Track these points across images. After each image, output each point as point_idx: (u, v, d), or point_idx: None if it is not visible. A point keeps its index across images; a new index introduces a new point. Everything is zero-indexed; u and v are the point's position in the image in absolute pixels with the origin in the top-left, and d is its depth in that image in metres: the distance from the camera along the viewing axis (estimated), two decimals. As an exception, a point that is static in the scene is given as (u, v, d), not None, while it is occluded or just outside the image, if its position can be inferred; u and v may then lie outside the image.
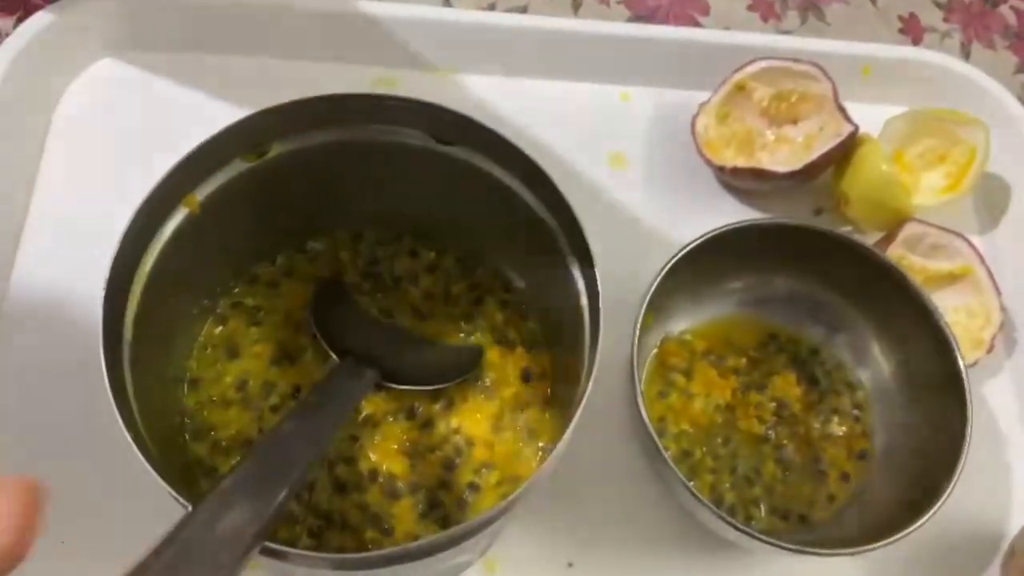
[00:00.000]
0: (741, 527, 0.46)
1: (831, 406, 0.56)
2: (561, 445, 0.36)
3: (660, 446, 0.47)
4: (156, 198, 0.38)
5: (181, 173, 0.38)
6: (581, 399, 0.37)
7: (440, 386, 0.47)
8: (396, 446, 0.46)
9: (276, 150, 0.42)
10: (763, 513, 0.53)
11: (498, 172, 0.43)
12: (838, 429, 0.56)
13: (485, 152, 0.43)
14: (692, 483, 0.47)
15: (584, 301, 0.41)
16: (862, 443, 0.56)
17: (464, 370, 0.48)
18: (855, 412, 0.56)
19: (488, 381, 0.48)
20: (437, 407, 0.47)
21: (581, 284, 0.41)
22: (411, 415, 0.47)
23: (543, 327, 0.49)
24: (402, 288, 0.50)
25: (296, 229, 0.49)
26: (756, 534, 0.46)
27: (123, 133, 0.61)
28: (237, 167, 0.41)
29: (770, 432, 0.55)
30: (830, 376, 0.57)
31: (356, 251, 0.51)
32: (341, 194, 0.47)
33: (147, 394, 0.38)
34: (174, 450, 0.43)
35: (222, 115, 0.40)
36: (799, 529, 0.53)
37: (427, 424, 0.47)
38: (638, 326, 0.50)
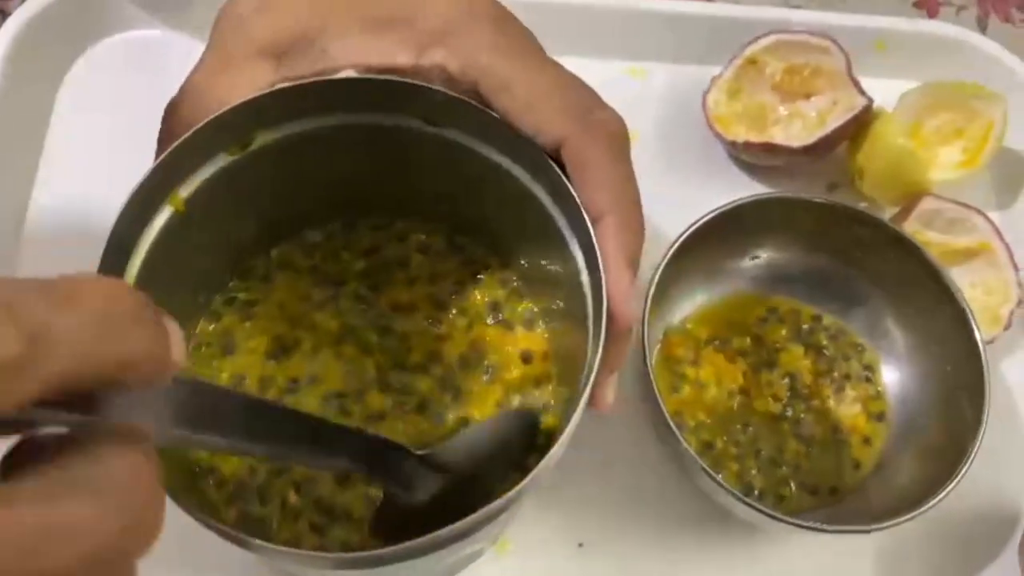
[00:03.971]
0: (778, 516, 0.46)
1: (842, 372, 0.56)
2: (565, 435, 0.35)
3: (687, 446, 0.47)
4: (138, 200, 0.36)
5: (163, 172, 0.37)
6: (582, 394, 0.35)
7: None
8: (404, 439, 0.45)
9: (259, 142, 0.40)
10: (793, 492, 0.53)
11: (489, 152, 0.41)
12: (852, 393, 0.55)
13: (475, 133, 0.41)
14: (720, 475, 0.47)
15: (584, 278, 0.39)
16: (878, 404, 0.55)
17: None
18: (866, 374, 0.56)
19: (487, 364, 0.47)
20: (447, 399, 0.46)
21: (580, 261, 0.40)
22: (422, 409, 0.46)
23: (541, 306, 0.48)
24: (394, 275, 0.49)
25: (286, 220, 0.48)
26: (789, 519, 0.46)
27: (128, 112, 0.60)
28: (221, 161, 0.40)
29: (787, 409, 0.54)
30: (835, 341, 0.57)
31: (350, 245, 0.49)
32: (330, 182, 0.45)
33: None
34: (174, 450, 0.42)
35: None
36: (830, 502, 0.53)
37: (437, 417, 0.46)
38: (645, 321, 0.49)
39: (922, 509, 0.46)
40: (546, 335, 0.48)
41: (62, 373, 0.19)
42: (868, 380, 0.56)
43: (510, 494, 0.34)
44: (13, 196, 0.57)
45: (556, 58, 0.65)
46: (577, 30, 0.65)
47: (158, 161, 0.36)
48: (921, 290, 0.53)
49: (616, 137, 0.37)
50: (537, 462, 0.35)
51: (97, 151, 0.59)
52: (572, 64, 0.65)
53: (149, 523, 0.21)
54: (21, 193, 0.57)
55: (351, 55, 0.37)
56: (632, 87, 0.66)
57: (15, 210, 0.57)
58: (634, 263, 0.36)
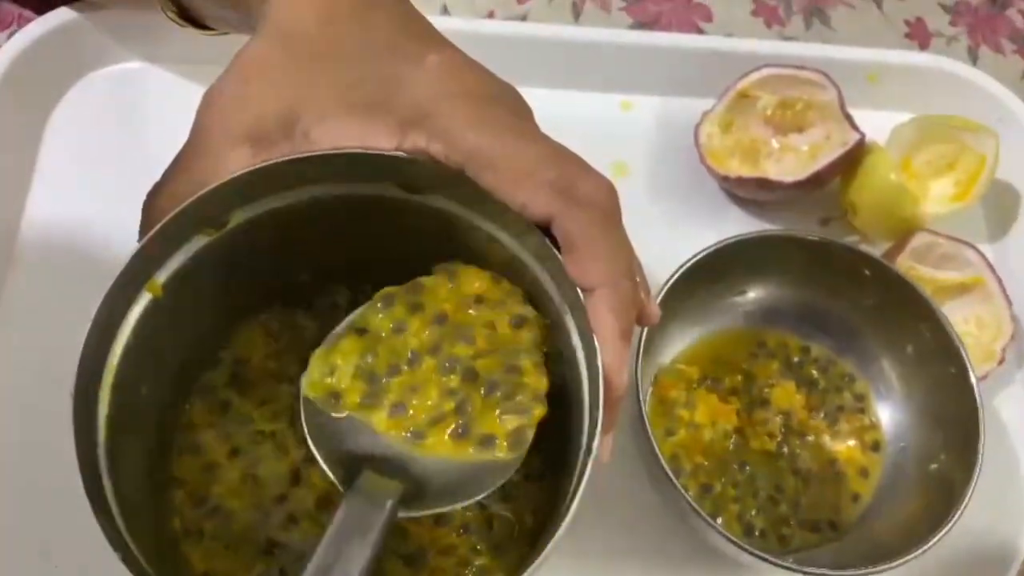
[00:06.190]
0: (775, 561, 0.46)
1: (835, 404, 0.56)
2: (567, 519, 0.34)
3: (685, 494, 0.46)
4: (117, 289, 0.36)
5: (140, 261, 0.37)
6: (580, 481, 0.35)
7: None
8: None
9: (236, 220, 0.40)
10: (794, 530, 0.52)
11: (474, 218, 0.41)
12: (846, 426, 0.55)
13: (458, 200, 0.40)
14: (720, 518, 0.46)
15: (576, 341, 0.38)
16: (872, 434, 0.55)
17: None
18: (859, 405, 0.56)
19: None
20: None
21: (572, 326, 0.39)
22: None
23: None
24: None
25: (267, 294, 0.47)
26: (788, 565, 0.46)
27: (115, 147, 0.60)
28: (198, 243, 0.39)
29: (782, 446, 0.54)
30: (826, 373, 0.57)
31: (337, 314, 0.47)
32: (310, 252, 0.45)
33: (131, 495, 0.36)
34: (165, 547, 0.41)
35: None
36: (831, 538, 0.52)
37: None
38: (639, 367, 0.49)
39: (917, 552, 0.46)
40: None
41: None
42: (861, 411, 0.56)
43: None
44: (3, 222, 0.57)
45: (548, 91, 0.66)
46: (568, 63, 0.65)
47: (134, 252, 0.36)
48: (914, 326, 0.53)
49: (604, 207, 0.37)
50: None
51: (86, 177, 0.59)
52: (564, 98, 0.66)
53: None
54: (11, 219, 0.57)
55: (333, 139, 0.37)
56: (623, 120, 0.66)
57: (7, 232, 0.57)
58: (627, 334, 0.36)
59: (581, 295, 0.36)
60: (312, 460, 0.43)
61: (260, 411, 0.45)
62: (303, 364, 0.45)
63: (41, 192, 0.58)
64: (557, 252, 0.37)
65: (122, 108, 0.62)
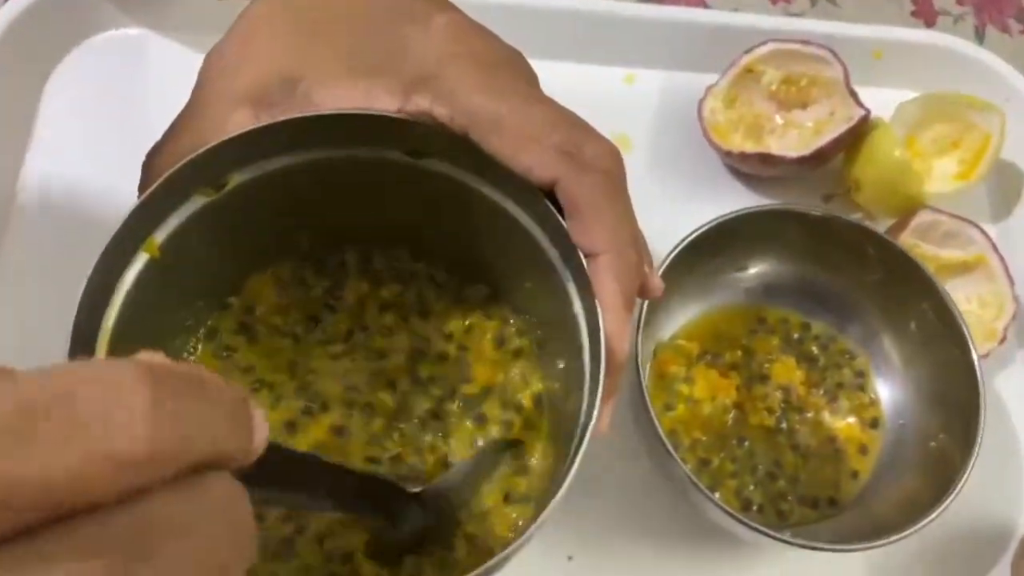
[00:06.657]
0: (773, 534, 0.45)
1: (835, 381, 0.56)
2: (565, 486, 0.34)
3: (684, 468, 0.46)
4: (113, 249, 0.35)
5: (138, 219, 0.36)
6: (579, 447, 0.34)
7: None
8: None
9: (235, 181, 0.39)
10: (793, 506, 0.52)
11: (475, 183, 0.40)
12: (846, 403, 0.55)
13: (460, 164, 0.40)
14: (717, 492, 0.46)
15: (578, 308, 0.38)
16: (871, 411, 0.55)
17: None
18: (858, 381, 0.56)
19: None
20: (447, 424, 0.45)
21: (574, 292, 0.39)
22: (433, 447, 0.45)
23: (533, 337, 0.46)
24: (380, 309, 0.47)
25: (266, 258, 0.46)
26: (784, 538, 0.46)
27: (113, 114, 0.59)
28: (196, 203, 0.38)
29: (781, 422, 0.54)
30: (826, 350, 0.57)
31: (335, 281, 0.48)
32: (309, 217, 0.44)
33: None
34: None
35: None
36: (830, 514, 0.52)
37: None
38: (639, 341, 0.48)
39: (916, 527, 0.46)
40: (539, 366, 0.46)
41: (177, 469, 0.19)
42: (861, 388, 0.56)
43: (509, 549, 0.34)
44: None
45: (550, 63, 0.65)
46: (571, 35, 0.64)
47: (132, 209, 0.35)
48: (916, 304, 0.53)
49: (609, 173, 0.36)
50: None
51: (82, 142, 0.58)
52: (567, 70, 0.65)
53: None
54: (7, 184, 0.57)
55: (335, 101, 0.37)
56: (626, 94, 0.65)
57: (3, 197, 0.56)
58: (630, 301, 0.36)
59: (584, 261, 0.36)
60: (310, 412, 0.44)
61: (262, 362, 0.45)
62: (308, 321, 0.46)
63: (38, 157, 0.58)
64: (561, 217, 0.36)
65: (121, 75, 0.61)
